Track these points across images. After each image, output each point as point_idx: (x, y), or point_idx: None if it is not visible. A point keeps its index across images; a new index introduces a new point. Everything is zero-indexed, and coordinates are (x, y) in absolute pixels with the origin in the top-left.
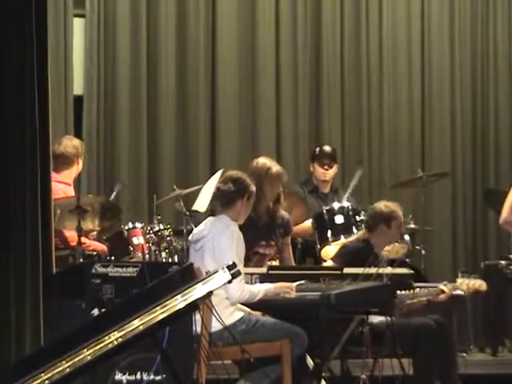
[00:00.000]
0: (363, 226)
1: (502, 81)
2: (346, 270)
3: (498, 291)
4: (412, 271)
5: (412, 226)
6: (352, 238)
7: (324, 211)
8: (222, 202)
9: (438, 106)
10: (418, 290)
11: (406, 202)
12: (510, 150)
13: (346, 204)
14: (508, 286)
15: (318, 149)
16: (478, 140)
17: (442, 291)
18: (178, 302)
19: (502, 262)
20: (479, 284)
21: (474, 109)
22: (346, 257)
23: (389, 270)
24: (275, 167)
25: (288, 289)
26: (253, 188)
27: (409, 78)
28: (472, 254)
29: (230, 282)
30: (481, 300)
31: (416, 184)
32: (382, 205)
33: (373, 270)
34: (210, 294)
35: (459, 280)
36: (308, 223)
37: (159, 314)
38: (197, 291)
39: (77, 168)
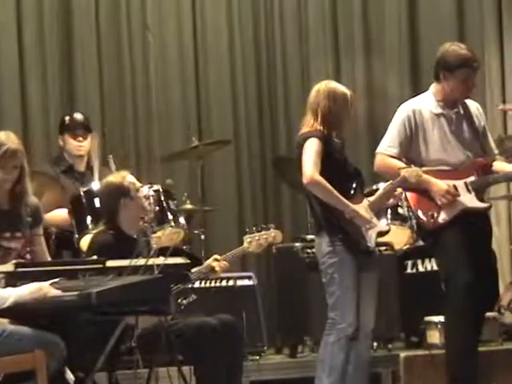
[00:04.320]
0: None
1: (291, 43)
2: (110, 263)
3: (295, 279)
4: (189, 260)
5: (188, 206)
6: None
7: (81, 194)
8: None
9: (215, 67)
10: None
11: (181, 178)
12: (301, 115)
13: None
14: (306, 273)
15: (67, 118)
16: (265, 104)
17: (213, 268)
18: None
19: (297, 244)
20: (273, 236)
21: (259, 71)
22: (102, 251)
23: (160, 260)
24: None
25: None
26: None
27: (179, 36)
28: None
29: None
30: (274, 291)
31: (192, 155)
32: (112, 177)
33: (141, 262)
34: None
35: (247, 239)
36: (63, 211)
37: None
38: None
39: None
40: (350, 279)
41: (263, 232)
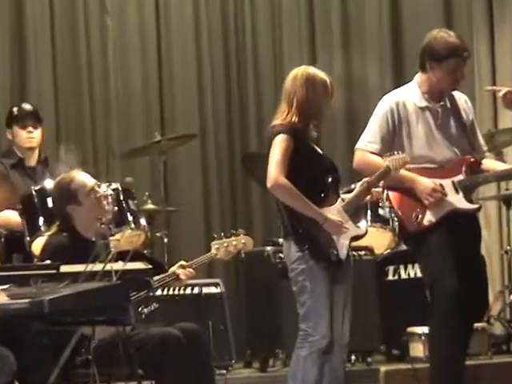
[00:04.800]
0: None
1: (263, 30)
2: (64, 269)
3: (266, 287)
4: (151, 266)
5: (149, 206)
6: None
7: (33, 192)
8: None
9: (180, 54)
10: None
11: (142, 175)
12: (274, 108)
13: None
14: (278, 280)
15: (15, 109)
16: (235, 95)
17: (178, 276)
18: None
19: (268, 248)
20: (243, 243)
21: (227, 59)
22: (52, 256)
23: (119, 265)
24: None
25: None
26: None
27: (140, 20)
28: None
29: None
30: (243, 299)
31: (153, 151)
32: (61, 178)
33: (98, 267)
34: None
35: (214, 245)
36: (14, 214)
37: None
38: None
39: None
40: (322, 287)
41: (232, 238)
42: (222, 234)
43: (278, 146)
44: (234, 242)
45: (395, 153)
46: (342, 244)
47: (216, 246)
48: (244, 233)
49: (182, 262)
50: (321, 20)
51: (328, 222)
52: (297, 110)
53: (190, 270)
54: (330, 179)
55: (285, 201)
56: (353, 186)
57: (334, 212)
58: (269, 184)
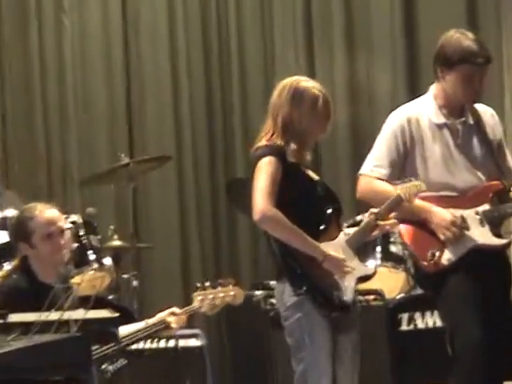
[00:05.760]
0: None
1: (250, 29)
2: (13, 318)
3: (254, 338)
4: (117, 314)
5: (116, 242)
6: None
7: None
8: None
9: (151, 62)
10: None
11: (107, 206)
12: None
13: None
14: (269, 330)
15: None
16: (217, 110)
17: (168, 325)
18: None
19: (258, 292)
20: (232, 296)
21: (208, 66)
22: (6, 299)
23: (80, 313)
24: None
25: None
26: None
27: (104, 22)
28: (215, 278)
29: None
30: (228, 353)
31: (120, 176)
32: (23, 212)
33: (54, 316)
34: None
35: (197, 297)
36: None
37: None
38: None
39: None
40: (323, 339)
41: (219, 289)
42: (208, 284)
43: (264, 171)
44: (221, 294)
45: (408, 179)
46: (347, 286)
47: (200, 298)
48: (233, 283)
49: (174, 309)
50: (319, 19)
51: (328, 260)
52: (281, 131)
53: (183, 317)
54: (329, 211)
55: (276, 235)
56: (358, 218)
57: (336, 248)
58: (256, 216)
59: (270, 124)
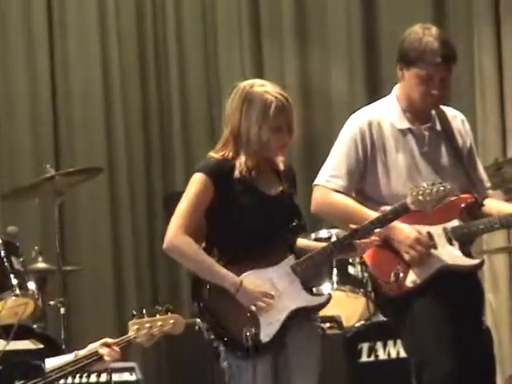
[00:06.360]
0: None
1: (189, 26)
2: None
3: (197, 371)
4: (42, 345)
5: (40, 264)
6: None
7: None
8: None
9: (79, 63)
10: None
11: (30, 224)
12: (206, 132)
13: None
14: (212, 362)
15: None
16: (153, 117)
17: (101, 357)
18: None
19: (200, 320)
20: (171, 324)
21: (143, 67)
22: None
23: (0, 344)
24: None
25: None
26: None
27: (25, 24)
28: (152, 304)
29: None
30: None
31: (45, 191)
32: None
33: None
34: None
35: (133, 326)
36: None
37: None
38: None
39: None
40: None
41: (158, 317)
42: (144, 311)
43: (190, 190)
44: (160, 323)
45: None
46: (272, 322)
47: (135, 327)
48: (172, 309)
49: (107, 339)
50: (267, 13)
51: (241, 293)
52: (233, 141)
53: (117, 348)
54: (282, 228)
55: (184, 264)
56: (313, 236)
57: (264, 276)
58: (164, 245)
59: (224, 133)
